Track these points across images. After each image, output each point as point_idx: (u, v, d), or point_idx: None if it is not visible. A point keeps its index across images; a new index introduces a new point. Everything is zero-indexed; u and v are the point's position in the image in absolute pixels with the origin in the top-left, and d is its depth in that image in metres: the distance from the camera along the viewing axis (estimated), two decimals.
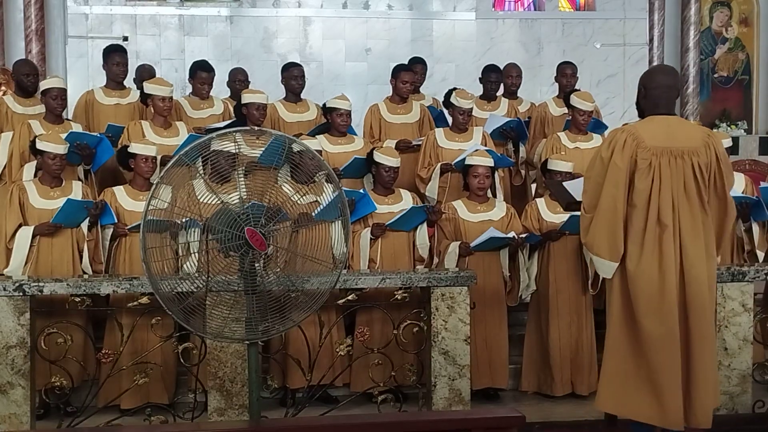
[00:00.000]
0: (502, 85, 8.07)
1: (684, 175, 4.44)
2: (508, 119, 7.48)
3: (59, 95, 6.69)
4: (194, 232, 4.21)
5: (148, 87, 6.75)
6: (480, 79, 8.03)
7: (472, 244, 6.15)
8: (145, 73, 8.34)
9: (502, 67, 8.13)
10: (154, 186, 3.96)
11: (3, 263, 5.92)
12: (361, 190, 6.39)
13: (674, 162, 4.43)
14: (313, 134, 6.98)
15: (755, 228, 6.42)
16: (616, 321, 4.52)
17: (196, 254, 4.11)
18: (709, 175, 4.49)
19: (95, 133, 6.69)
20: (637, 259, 4.43)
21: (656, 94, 4.57)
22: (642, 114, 4.67)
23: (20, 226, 5.92)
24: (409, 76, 7.47)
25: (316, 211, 4.26)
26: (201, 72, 7.57)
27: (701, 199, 4.47)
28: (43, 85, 6.80)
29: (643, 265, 4.41)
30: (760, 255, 6.42)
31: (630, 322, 4.46)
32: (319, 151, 6.41)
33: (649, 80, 4.62)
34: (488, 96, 7.93)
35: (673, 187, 4.42)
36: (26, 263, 5.88)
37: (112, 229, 6.03)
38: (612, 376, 4.52)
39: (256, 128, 4.14)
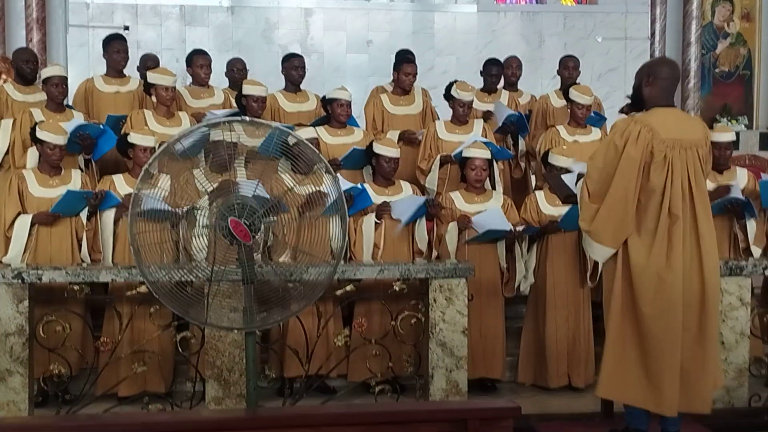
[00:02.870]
0: (502, 78, 8.08)
1: (694, 166, 4.49)
2: (510, 112, 7.48)
3: (60, 83, 6.69)
4: (193, 221, 4.23)
5: (152, 76, 6.75)
6: (481, 71, 8.03)
7: (469, 238, 6.16)
8: (150, 61, 8.33)
9: (503, 60, 8.14)
10: (141, 173, 3.98)
11: (2, 251, 5.92)
12: (359, 185, 6.37)
13: (684, 153, 4.47)
14: (313, 126, 6.98)
15: (751, 224, 6.41)
16: (616, 310, 4.54)
17: (195, 241, 4.12)
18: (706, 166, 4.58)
19: (99, 124, 6.67)
20: (647, 251, 4.45)
21: (664, 85, 4.59)
22: (639, 102, 4.66)
23: (19, 214, 5.93)
24: (411, 68, 7.48)
25: (323, 209, 4.28)
26: (197, 56, 7.58)
27: (705, 188, 4.56)
28: (44, 73, 6.80)
29: (653, 256, 4.43)
30: (756, 251, 6.41)
31: (631, 312, 4.49)
32: (316, 140, 6.41)
33: (658, 70, 4.63)
34: (489, 88, 7.92)
35: (684, 178, 4.46)
36: (25, 251, 5.88)
37: (114, 211, 6.00)
38: (613, 364, 4.55)
39: (248, 118, 4.14)
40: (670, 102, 4.62)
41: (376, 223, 6.20)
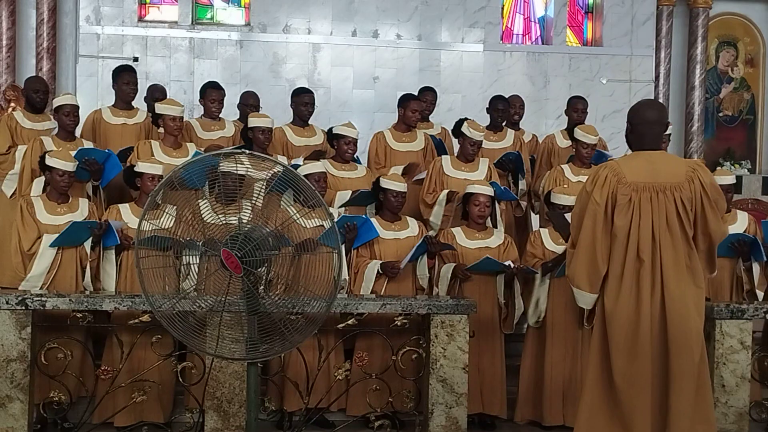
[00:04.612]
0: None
1: (666, 210, 4.43)
2: (508, 152, 7.54)
3: (72, 112, 6.77)
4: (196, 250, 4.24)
5: (160, 107, 6.81)
6: (487, 109, 8.09)
7: (467, 267, 6.17)
8: (156, 92, 8.40)
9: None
10: (147, 201, 4.01)
11: (14, 275, 5.90)
12: (363, 216, 6.40)
13: (656, 198, 4.43)
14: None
15: (755, 267, 6.40)
16: (594, 355, 4.55)
17: (194, 270, 4.14)
18: (694, 210, 4.47)
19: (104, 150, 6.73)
20: (615, 296, 4.44)
21: (641, 129, 4.55)
22: (632, 149, 4.69)
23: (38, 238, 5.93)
24: (417, 104, 7.52)
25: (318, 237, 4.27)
26: (210, 90, 7.64)
27: (685, 233, 4.45)
28: (57, 101, 6.87)
29: (621, 301, 4.42)
30: (760, 294, 6.39)
31: (605, 358, 4.48)
32: (324, 173, 6.43)
33: (634, 115, 4.60)
34: (495, 125, 7.97)
35: (654, 222, 4.41)
36: (49, 271, 5.86)
37: (113, 250, 6.02)
38: (588, 410, 4.52)
39: (247, 151, 4.15)
40: (653, 145, 4.56)
41: (378, 273, 6.19)
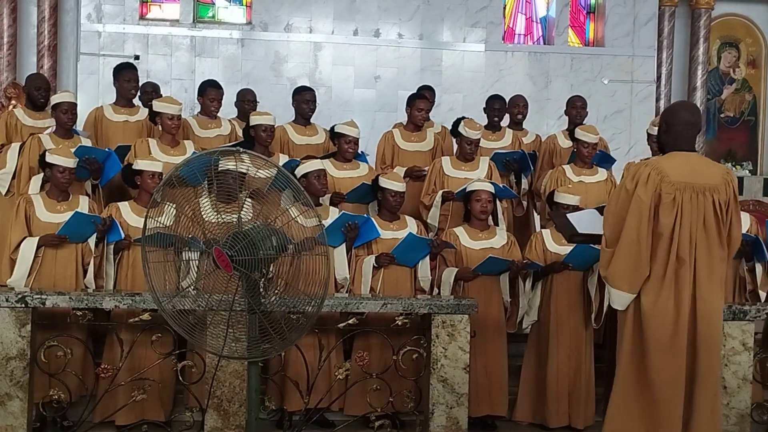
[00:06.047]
0: (507, 116, 8.12)
1: (705, 211, 4.47)
2: (513, 151, 7.53)
3: (69, 109, 6.74)
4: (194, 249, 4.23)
5: (157, 105, 6.79)
6: (484, 108, 8.08)
7: (474, 268, 6.16)
8: (148, 86, 8.38)
9: (509, 99, 8.19)
10: (151, 200, 4.00)
11: (8, 275, 5.90)
12: (364, 215, 6.39)
13: (695, 198, 4.46)
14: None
15: (758, 268, 6.40)
16: (626, 355, 4.53)
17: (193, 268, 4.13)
18: (727, 212, 4.53)
19: (104, 148, 6.71)
20: (655, 295, 4.45)
21: (678, 130, 4.59)
22: (662, 149, 4.70)
23: (24, 238, 5.93)
24: (424, 103, 7.51)
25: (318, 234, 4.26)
26: (210, 89, 7.63)
27: (720, 235, 4.50)
28: (54, 99, 6.85)
29: (661, 300, 4.43)
30: (762, 295, 6.38)
31: (639, 357, 4.47)
32: (324, 171, 6.39)
33: (671, 116, 4.66)
34: (492, 125, 7.96)
35: (693, 222, 4.45)
36: (29, 275, 5.85)
37: (111, 249, 6.00)
38: (618, 409, 4.52)
39: (241, 149, 4.13)
40: (688, 147, 4.62)
41: (374, 266, 6.19)
